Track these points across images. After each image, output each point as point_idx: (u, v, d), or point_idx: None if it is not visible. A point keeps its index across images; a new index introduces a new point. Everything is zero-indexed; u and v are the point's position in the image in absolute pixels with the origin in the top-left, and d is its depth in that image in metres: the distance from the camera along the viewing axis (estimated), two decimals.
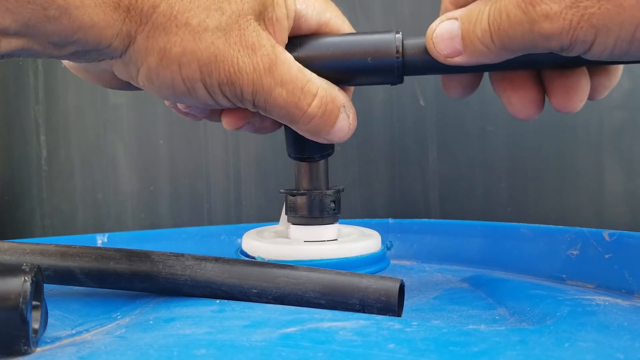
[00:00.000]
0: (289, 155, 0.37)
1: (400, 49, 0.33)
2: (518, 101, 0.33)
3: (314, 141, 0.34)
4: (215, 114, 0.35)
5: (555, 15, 0.26)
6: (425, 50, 0.32)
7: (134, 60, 0.29)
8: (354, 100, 0.35)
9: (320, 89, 0.31)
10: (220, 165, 0.63)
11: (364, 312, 0.27)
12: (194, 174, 0.64)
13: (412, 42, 0.33)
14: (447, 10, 0.32)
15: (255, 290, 0.29)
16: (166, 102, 0.36)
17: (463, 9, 0.30)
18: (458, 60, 0.30)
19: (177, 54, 0.28)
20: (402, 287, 0.28)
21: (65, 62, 0.33)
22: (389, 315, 0.27)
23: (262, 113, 0.32)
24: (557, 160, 0.54)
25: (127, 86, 0.32)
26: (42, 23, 0.25)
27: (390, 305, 0.27)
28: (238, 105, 0.31)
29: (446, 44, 0.30)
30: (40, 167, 0.68)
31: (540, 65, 0.32)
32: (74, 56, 0.28)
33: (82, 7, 0.26)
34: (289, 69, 0.30)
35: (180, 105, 0.35)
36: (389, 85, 0.35)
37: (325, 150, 0.36)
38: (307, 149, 0.36)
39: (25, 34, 0.26)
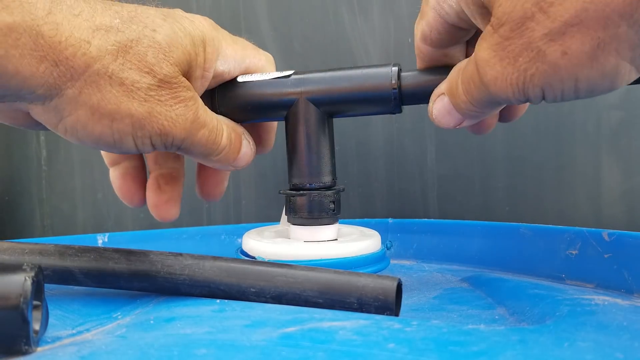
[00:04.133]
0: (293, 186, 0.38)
1: (397, 81, 0.35)
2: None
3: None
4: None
5: (501, 78, 0.27)
6: (420, 81, 0.35)
7: (59, 110, 0.29)
8: None
9: (226, 125, 0.35)
10: None
11: (362, 311, 0.27)
12: (193, 173, 0.64)
13: (407, 74, 0.36)
14: (420, 50, 0.35)
15: (254, 290, 0.29)
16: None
17: (445, 83, 0.33)
18: (465, 124, 0.33)
19: (111, 111, 0.29)
20: (399, 286, 0.28)
21: None
22: (387, 314, 0.27)
23: (182, 153, 0.34)
24: (555, 160, 0.54)
25: (40, 127, 0.32)
26: None
27: (388, 304, 0.27)
28: (160, 150, 0.33)
29: (448, 119, 0.33)
30: (40, 167, 0.68)
31: None
32: None
33: (7, 57, 0.26)
34: (209, 114, 0.34)
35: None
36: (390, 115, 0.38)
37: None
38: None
39: None
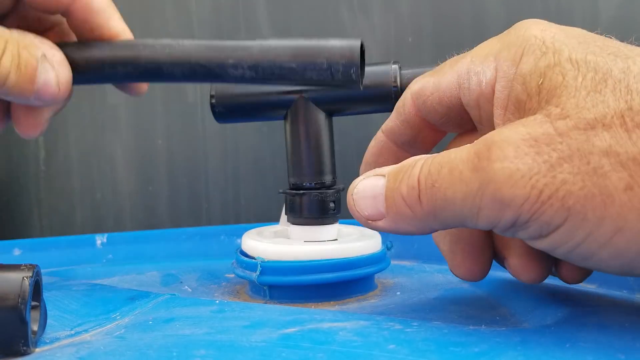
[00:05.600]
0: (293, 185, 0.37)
1: (397, 78, 0.35)
2: (461, 256, 0.28)
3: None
4: None
5: (522, 179, 0.20)
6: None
7: None
8: None
9: (12, 40, 0.27)
10: (219, 165, 0.63)
11: (331, 71, 0.28)
12: (193, 174, 0.64)
13: (408, 72, 0.36)
14: (404, 106, 0.29)
15: (232, 61, 0.30)
16: None
17: (390, 167, 0.25)
18: (381, 224, 0.25)
19: None
20: (362, 48, 0.29)
21: None
22: (353, 74, 0.28)
23: None
24: None
25: None
26: None
27: (354, 60, 0.28)
28: None
29: (367, 202, 0.25)
30: (38, 167, 0.68)
31: None
32: None
33: None
34: None
35: None
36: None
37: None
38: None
39: None
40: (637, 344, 0.22)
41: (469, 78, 0.25)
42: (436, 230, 0.25)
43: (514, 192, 0.20)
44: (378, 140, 0.30)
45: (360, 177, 0.26)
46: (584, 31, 0.24)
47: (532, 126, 0.21)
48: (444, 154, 0.23)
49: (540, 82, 0.22)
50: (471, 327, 0.25)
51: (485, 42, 0.26)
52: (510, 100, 0.23)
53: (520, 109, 0.23)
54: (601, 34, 0.24)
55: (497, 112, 0.24)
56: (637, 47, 0.22)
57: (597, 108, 0.20)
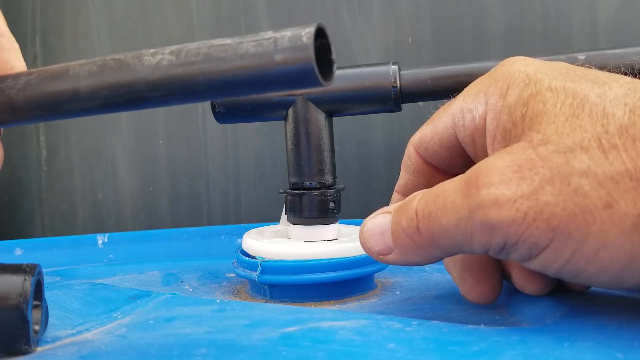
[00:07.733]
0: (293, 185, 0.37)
1: (397, 79, 0.35)
2: (471, 281, 0.29)
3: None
4: None
5: (507, 203, 0.21)
6: (420, 79, 0.35)
7: None
8: None
9: None
10: (220, 166, 0.63)
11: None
12: (194, 174, 0.64)
13: (407, 72, 0.36)
14: (408, 156, 0.30)
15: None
16: None
17: (395, 204, 0.27)
18: (391, 258, 0.26)
19: None
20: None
21: None
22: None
23: None
24: None
25: None
26: None
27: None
28: None
29: (377, 239, 0.26)
30: (40, 168, 0.68)
31: None
32: None
33: None
34: None
35: None
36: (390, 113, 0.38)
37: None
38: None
39: None
40: (636, 343, 0.22)
41: (463, 116, 0.27)
42: (440, 259, 0.26)
43: (500, 215, 0.22)
44: (394, 201, 0.31)
45: (370, 216, 0.27)
46: (566, 64, 0.25)
47: (515, 153, 0.22)
48: (439, 185, 0.24)
49: (524, 111, 0.23)
50: (470, 326, 0.25)
51: (475, 81, 0.27)
52: (498, 130, 0.25)
53: (507, 137, 0.24)
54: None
55: (488, 143, 0.26)
56: (615, 74, 0.23)
57: (576, 133, 0.21)
